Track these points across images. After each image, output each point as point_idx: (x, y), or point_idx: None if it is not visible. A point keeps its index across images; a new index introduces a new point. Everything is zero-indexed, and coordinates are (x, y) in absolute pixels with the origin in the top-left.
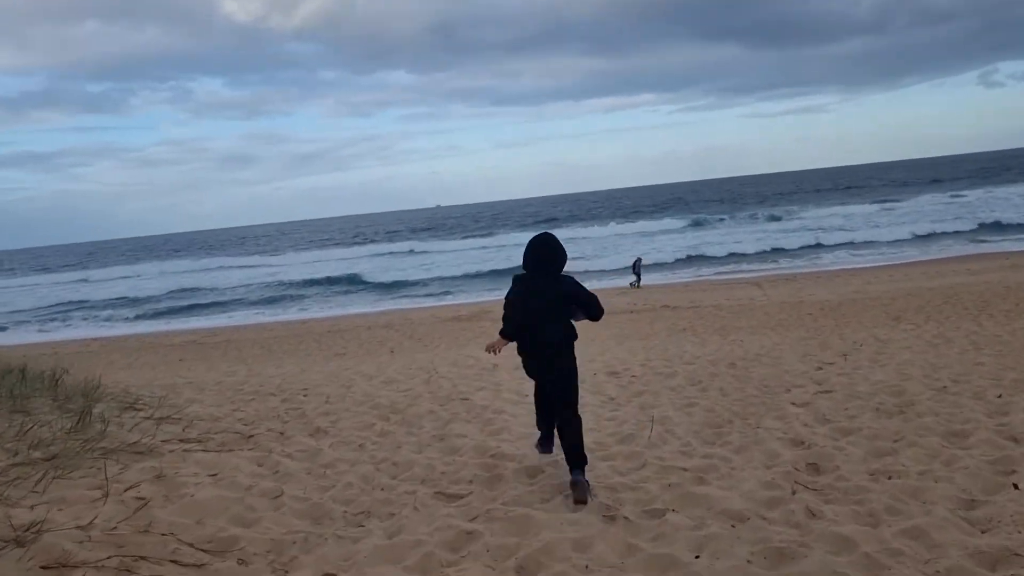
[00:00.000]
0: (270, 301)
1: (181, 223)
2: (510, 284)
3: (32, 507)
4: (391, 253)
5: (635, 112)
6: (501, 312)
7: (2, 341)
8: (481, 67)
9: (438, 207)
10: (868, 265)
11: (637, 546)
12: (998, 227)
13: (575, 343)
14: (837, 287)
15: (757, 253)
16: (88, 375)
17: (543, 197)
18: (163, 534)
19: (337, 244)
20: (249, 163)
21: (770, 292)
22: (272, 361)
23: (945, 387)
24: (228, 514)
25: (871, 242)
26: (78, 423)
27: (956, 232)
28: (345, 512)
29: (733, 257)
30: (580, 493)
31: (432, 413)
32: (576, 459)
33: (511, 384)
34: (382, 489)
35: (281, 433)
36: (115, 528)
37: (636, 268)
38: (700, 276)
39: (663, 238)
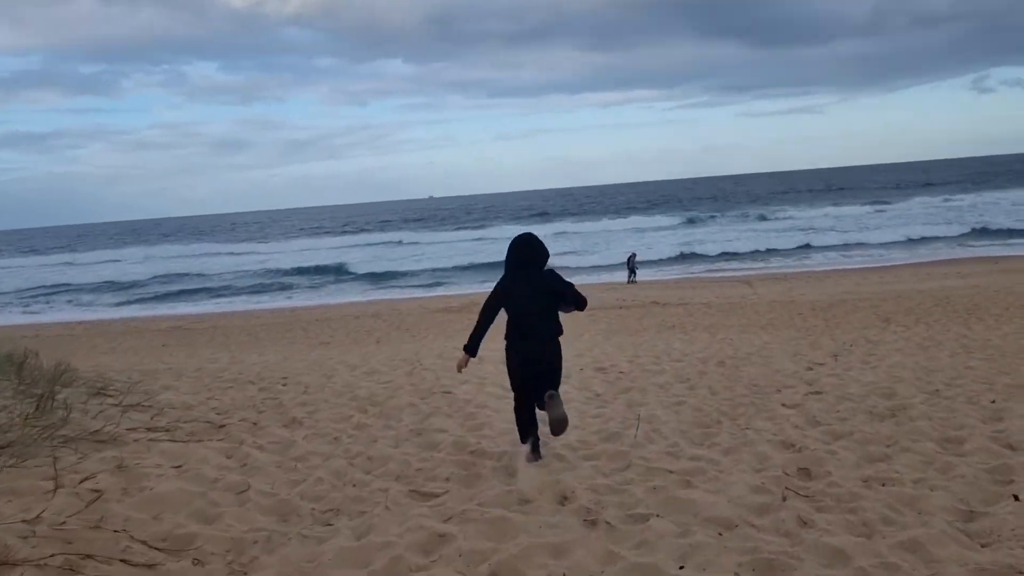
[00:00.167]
0: (258, 289)
1: (173, 207)
2: (495, 286)
3: None
4: (383, 243)
5: (631, 108)
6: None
7: None
8: (479, 59)
9: (431, 198)
10: (859, 266)
11: (618, 554)
12: (987, 231)
13: (560, 337)
14: (827, 287)
15: (748, 252)
16: (62, 358)
17: (537, 191)
18: (115, 530)
19: (328, 233)
20: (243, 149)
21: (761, 291)
22: (256, 348)
23: (938, 390)
24: (189, 509)
25: (862, 243)
26: (37, 409)
27: (946, 236)
28: (313, 509)
29: (724, 255)
30: (555, 408)
31: (412, 406)
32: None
33: (496, 378)
34: (354, 485)
35: (255, 423)
36: (64, 523)
37: (631, 264)
38: (691, 273)
39: (655, 235)
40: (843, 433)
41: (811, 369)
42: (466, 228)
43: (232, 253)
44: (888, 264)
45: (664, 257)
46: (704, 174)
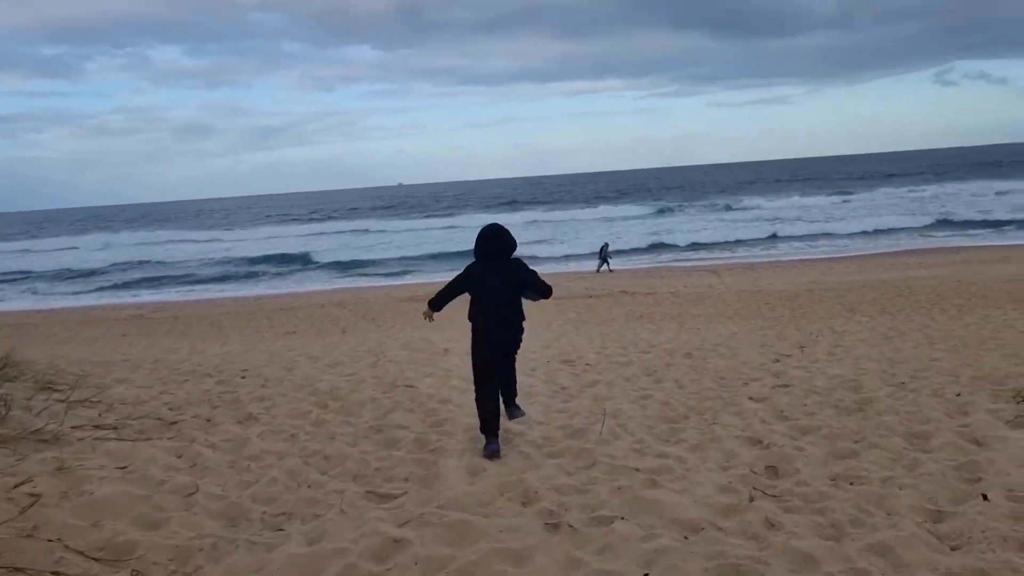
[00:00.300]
0: (222, 277)
1: (137, 194)
2: (465, 268)
3: None
4: (351, 231)
5: (601, 97)
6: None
7: None
8: (448, 46)
9: (400, 185)
10: (824, 256)
11: (581, 560)
12: (950, 223)
13: (523, 323)
14: (794, 277)
15: (716, 242)
16: (12, 349)
17: (507, 179)
18: (50, 539)
19: (295, 220)
20: (208, 134)
21: (728, 280)
22: (219, 338)
23: (903, 383)
24: (131, 514)
25: (828, 234)
26: None
27: (910, 228)
28: (264, 513)
29: (692, 245)
30: (513, 412)
31: (374, 401)
32: (511, 394)
33: (461, 371)
34: (309, 486)
35: (208, 420)
36: None
37: (603, 253)
38: (659, 263)
39: (624, 224)
40: (811, 428)
41: (778, 361)
42: (436, 216)
43: (197, 241)
44: (853, 254)
45: (633, 247)
46: (673, 164)
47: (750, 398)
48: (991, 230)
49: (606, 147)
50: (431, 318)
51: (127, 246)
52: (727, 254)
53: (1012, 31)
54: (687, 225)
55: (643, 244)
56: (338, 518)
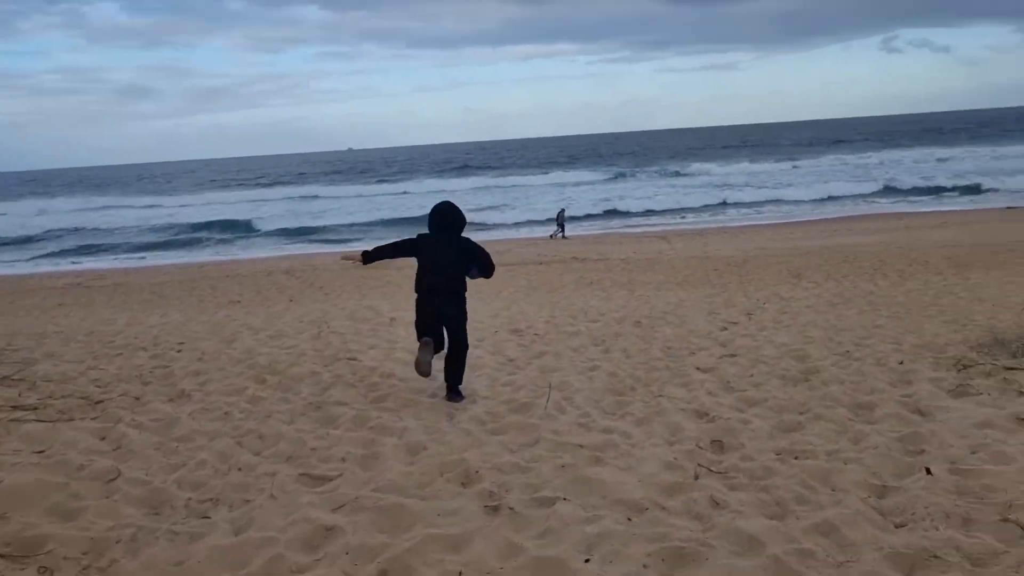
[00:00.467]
0: (164, 244)
1: (74, 157)
2: (418, 234)
3: None
4: (299, 197)
5: (553, 61)
6: (409, 261)
7: None
8: (398, 7)
9: (350, 150)
10: (771, 222)
11: (520, 545)
12: (895, 190)
13: (465, 294)
14: (741, 243)
15: (666, 208)
16: None
17: (458, 143)
18: None
19: (241, 185)
20: (149, 96)
21: (677, 246)
22: (159, 308)
23: (848, 351)
24: (45, 504)
25: (775, 200)
26: None
27: (856, 195)
28: (190, 499)
29: (643, 211)
30: (453, 397)
31: (314, 375)
32: (455, 382)
33: (406, 342)
34: (239, 469)
35: (137, 398)
36: None
37: (560, 219)
38: (610, 229)
39: (576, 190)
40: (757, 400)
41: (726, 329)
42: (387, 181)
43: (137, 206)
44: (799, 220)
45: (584, 213)
46: (624, 129)
47: (697, 368)
48: (932, 196)
49: (558, 112)
50: (356, 264)
51: (64, 212)
52: (677, 219)
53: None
54: (638, 191)
55: (596, 210)
56: (268, 504)
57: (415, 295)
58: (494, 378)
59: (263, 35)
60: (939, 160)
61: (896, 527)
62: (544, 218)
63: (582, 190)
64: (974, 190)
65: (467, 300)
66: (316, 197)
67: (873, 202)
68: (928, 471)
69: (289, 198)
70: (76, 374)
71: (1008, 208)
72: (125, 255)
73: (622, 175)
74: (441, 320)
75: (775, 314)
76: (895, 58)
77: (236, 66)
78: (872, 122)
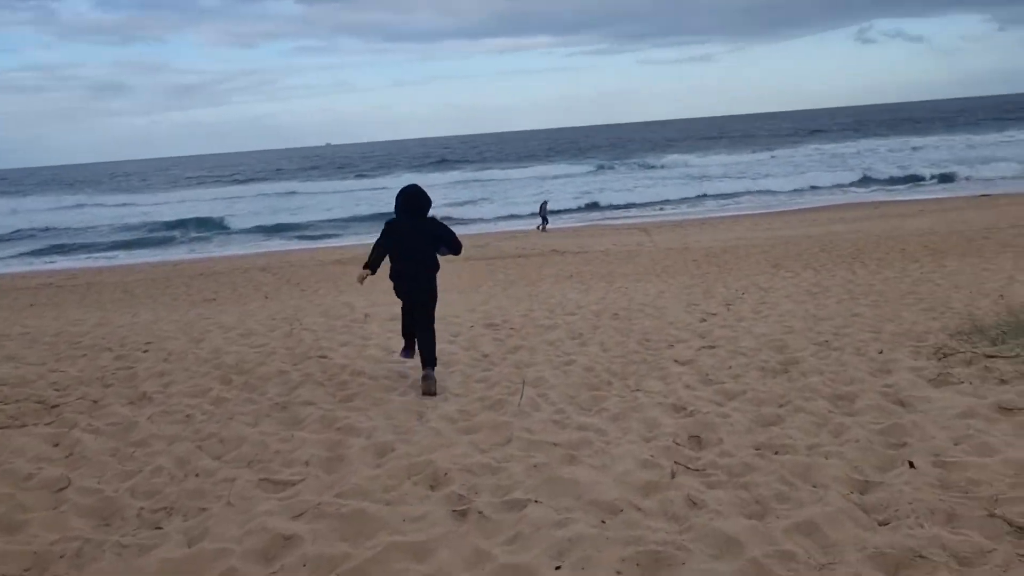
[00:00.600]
0: (138, 243)
1: (46, 156)
2: (384, 225)
3: None
4: (276, 193)
5: (531, 54)
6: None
7: None
8: (373, 0)
9: (328, 145)
10: (749, 212)
11: (488, 553)
12: (871, 179)
13: (437, 274)
14: (720, 234)
15: (645, 200)
16: None
17: (437, 138)
18: None
19: (217, 182)
20: (122, 93)
21: (656, 238)
22: (131, 308)
23: (827, 341)
24: None
25: (753, 191)
26: None
27: (833, 185)
28: (142, 509)
29: (622, 203)
30: (428, 386)
31: (282, 374)
32: (429, 360)
33: (380, 339)
34: (197, 475)
35: (95, 401)
36: None
37: (543, 212)
38: (590, 221)
39: (555, 183)
40: (736, 392)
41: (704, 320)
42: (365, 177)
43: (110, 204)
44: (777, 210)
45: (564, 207)
46: (603, 121)
47: (675, 361)
48: (908, 185)
49: (536, 105)
50: (368, 275)
51: (36, 211)
52: (656, 211)
53: None
54: (618, 183)
55: (574, 203)
56: (225, 512)
57: (391, 282)
58: (467, 375)
59: (237, 29)
60: (914, 149)
61: (879, 525)
62: (525, 212)
63: (562, 183)
64: (949, 178)
65: (443, 293)
66: (294, 193)
67: (850, 191)
68: (911, 464)
69: (266, 194)
70: (35, 377)
71: (982, 195)
72: (98, 254)
73: (602, 168)
74: (414, 305)
75: (754, 304)
76: (870, 48)
77: (210, 61)
78: (848, 112)
